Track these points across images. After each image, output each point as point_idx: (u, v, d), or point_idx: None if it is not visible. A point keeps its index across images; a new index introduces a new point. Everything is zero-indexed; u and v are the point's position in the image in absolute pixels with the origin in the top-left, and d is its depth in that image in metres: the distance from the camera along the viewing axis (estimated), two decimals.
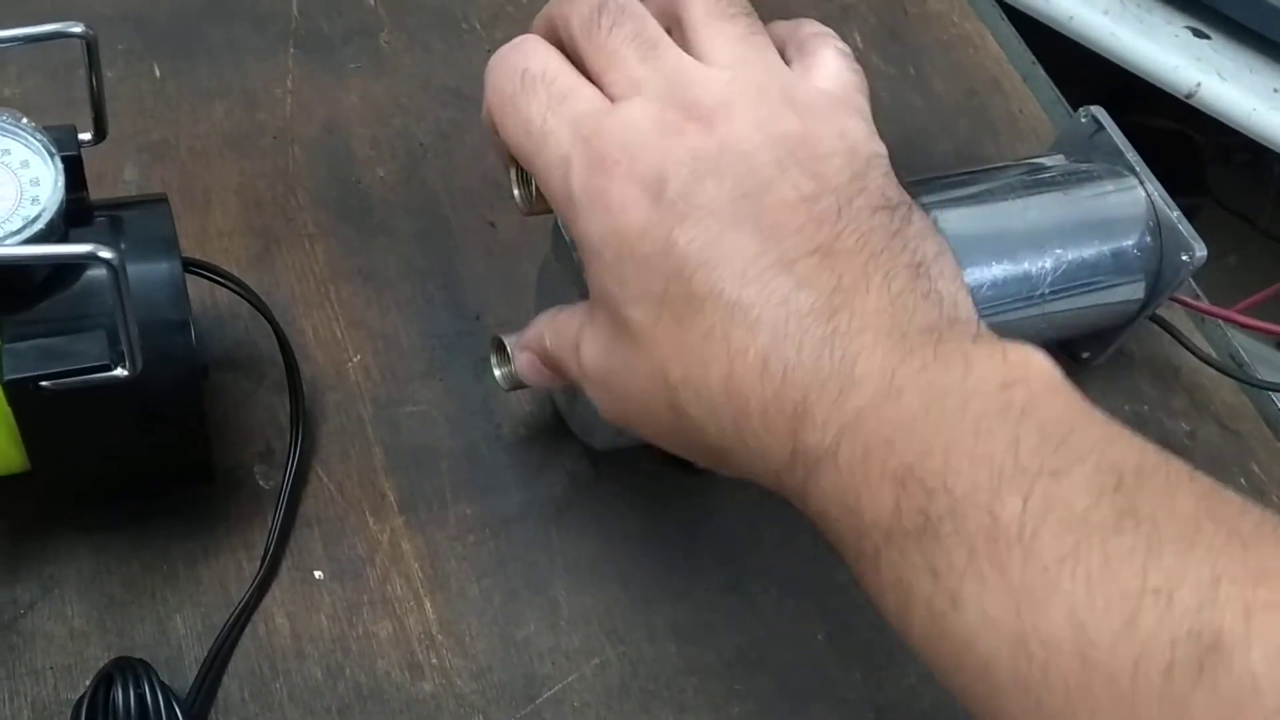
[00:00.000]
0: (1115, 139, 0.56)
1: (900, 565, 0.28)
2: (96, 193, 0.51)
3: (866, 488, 0.29)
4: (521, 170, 0.37)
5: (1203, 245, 0.53)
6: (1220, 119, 0.99)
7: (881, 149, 0.34)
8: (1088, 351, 0.59)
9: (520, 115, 0.33)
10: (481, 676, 0.44)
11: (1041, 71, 0.72)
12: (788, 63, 0.35)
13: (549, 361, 0.39)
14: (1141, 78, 1.00)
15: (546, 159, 0.32)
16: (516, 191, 0.38)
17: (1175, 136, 1.33)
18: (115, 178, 0.52)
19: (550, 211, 0.38)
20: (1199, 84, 0.98)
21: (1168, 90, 0.99)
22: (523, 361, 0.42)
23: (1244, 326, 0.60)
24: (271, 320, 0.46)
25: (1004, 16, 0.74)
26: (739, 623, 0.48)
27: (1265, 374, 0.63)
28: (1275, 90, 0.99)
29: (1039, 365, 0.29)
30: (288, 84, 0.58)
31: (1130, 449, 0.28)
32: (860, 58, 0.69)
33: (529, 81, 0.33)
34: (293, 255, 0.52)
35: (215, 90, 0.57)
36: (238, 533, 0.45)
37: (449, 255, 0.54)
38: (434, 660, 0.44)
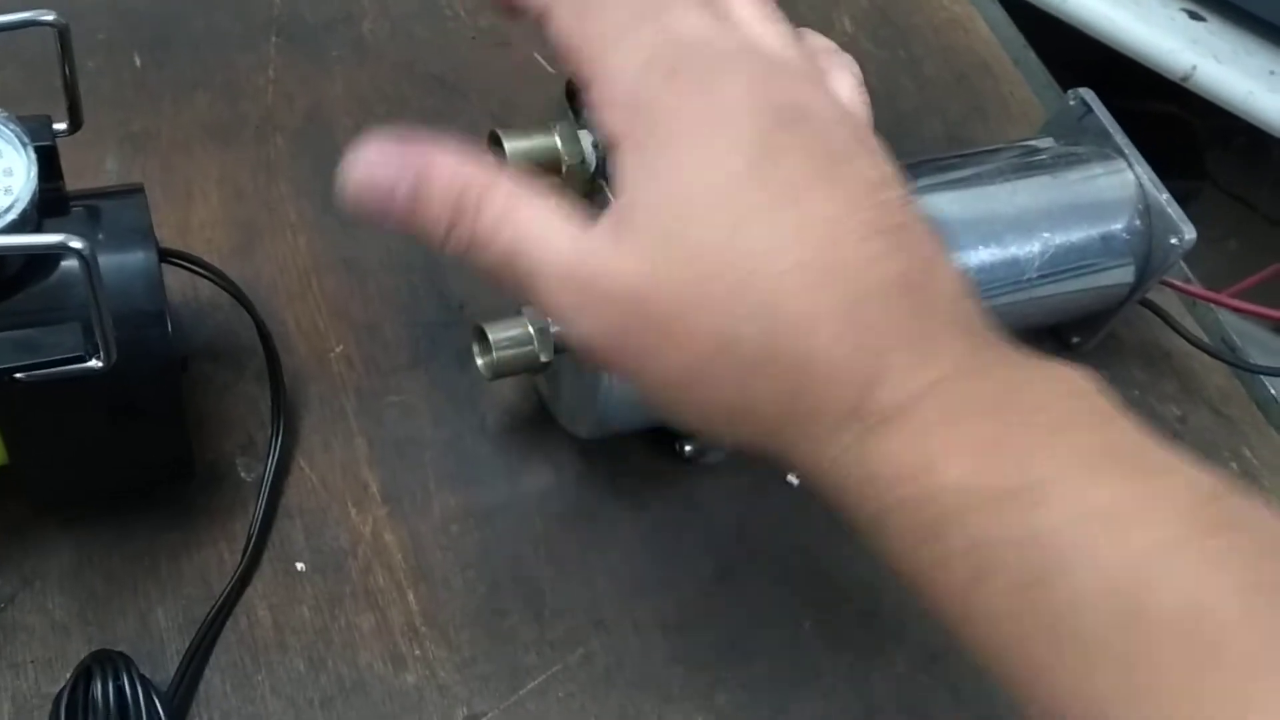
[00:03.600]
0: (1104, 121, 0.55)
1: (977, 534, 0.28)
2: (77, 184, 0.51)
3: (944, 452, 0.28)
4: (501, 153, 0.37)
5: (1192, 228, 0.53)
6: (1216, 102, 0.98)
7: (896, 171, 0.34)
8: (1078, 336, 0.59)
9: (600, 19, 0.32)
10: (465, 668, 0.44)
11: (1033, 55, 0.71)
12: None
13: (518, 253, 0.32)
14: (1137, 61, 1.00)
15: (625, 61, 0.32)
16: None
17: (1172, 120, 1.32)
18: (97, 169, 0.52)
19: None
20: (1194, 67, 0.97)
21: (1163, 74, 0.99)
22: (384, 165, 0.32)
23: (1236, 310, 0.59)
24: (252, 311, 0.45)
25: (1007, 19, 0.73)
26: (725, 612, 0.47)
27: (1258, 357, 0.62)
28: (1272, 72, 0.98)
29: (1100, 382, 0.30)
30: (270, 73, 0.58)
31: (1206, 470, 0.28)
32: (850, 41, 0.69)
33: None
34: (275, 246, 0.52)
35: (197, 80, 0.57)
36: (219, 525, 0.45)
37: None
38: (417, 651, 0.44)
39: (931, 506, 0.28)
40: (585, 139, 0.37)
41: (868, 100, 0.36)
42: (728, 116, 0.31)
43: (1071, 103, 0.57)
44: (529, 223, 0.31)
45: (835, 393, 0.30)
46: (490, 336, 0.44)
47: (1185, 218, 0.53)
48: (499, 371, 0.44)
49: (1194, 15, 1.00)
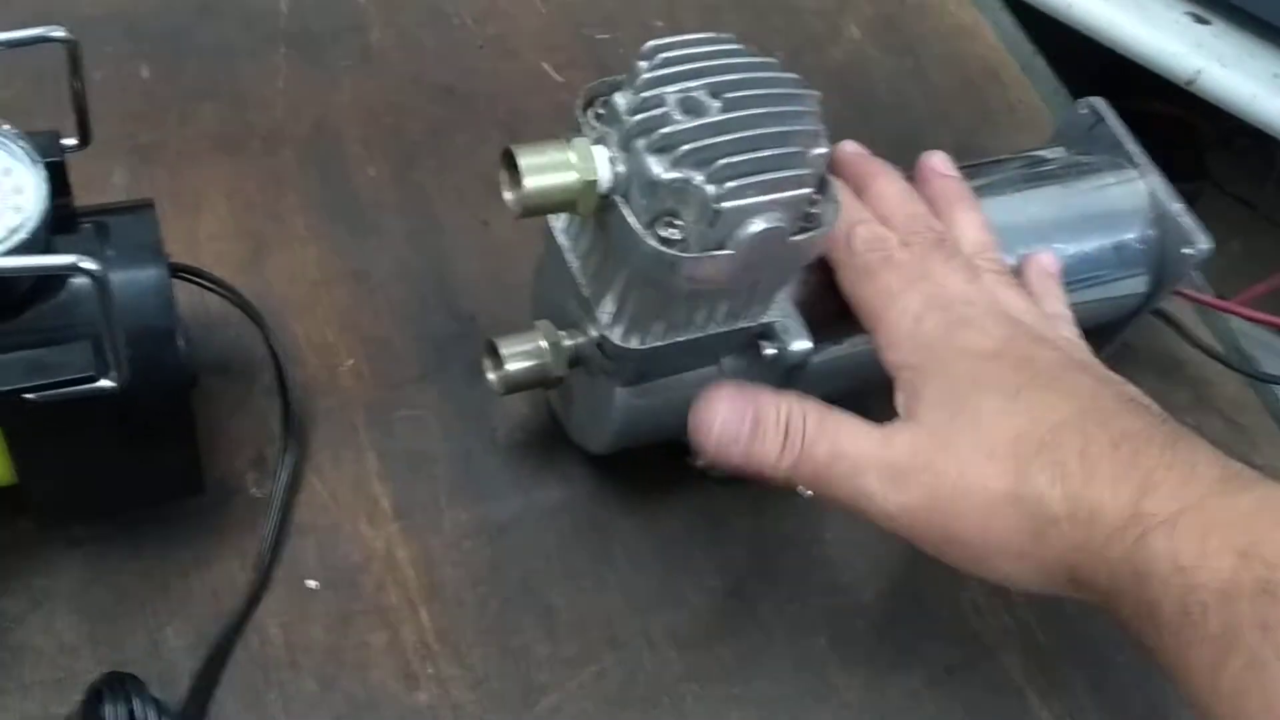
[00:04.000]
0: (1115, 131, 0.55)
1: (1230, 619, 0.32)
2: (85, 197, 0.50)
3: (1205, 554, 0.33)
4: (514, 169, 0.37)
5: (1207, 238, 0.53)
6: (1221, 106, 0.98)
7: None
8: (1091, 346, 0.58)
9: (882, 281, 0.42)
10: (478, 686, 0.44)
11: (1041, 61, 0.71)
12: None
13: (818, 464, 0.40)
14: (1143, 65, 0.99)
15: (905, 311, 0.41)
16: (508, 194, 0.37)
17: (1176, 122, 1.32)
18: (104, 182, 0.52)
19: (540, 214, 0.38)
20: (1199, 70, 0.97)
21: (1167, 77, 0.98)
22: (728, 413, 0.40)
23: (1248, 319, 0.59)
24: (262, 325, 0.45)
25: (1003, 5, 0.73)
26: (739, 628, 0.47)
27: (1271, 366, 0.62)
28: (1276, 76, 0.97)
29: None
30: (278, 84, 0.57)
31: None
32: (856, 49, 0.69)
33: (893, 259, 0.43)
34: (284, 258, 0.52)
35: (204, 91, 0.56)
36: (230, 542, 0.44)
37: (442, 255, 0.54)
38: (430, 670, 0.43)
39: (1192, 599, 0.33)
40: (599, 154, 0.37)
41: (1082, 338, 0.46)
42: (991, 344, 0.40)
43: (1083, 111, 0.56)
44: (839, 433, 0.40)
45: (1111, 505, 0.35)
46: (502, 351, 0.43)
47: (1200, 227, 0.53)
48: (511, 386, 0.44)
49: (1199, 19, 1.00)
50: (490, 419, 0.50)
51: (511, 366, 0.43)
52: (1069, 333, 0.45)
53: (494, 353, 0.44)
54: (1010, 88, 0.69)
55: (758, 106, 0.37)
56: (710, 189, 0.36)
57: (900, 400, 0.40)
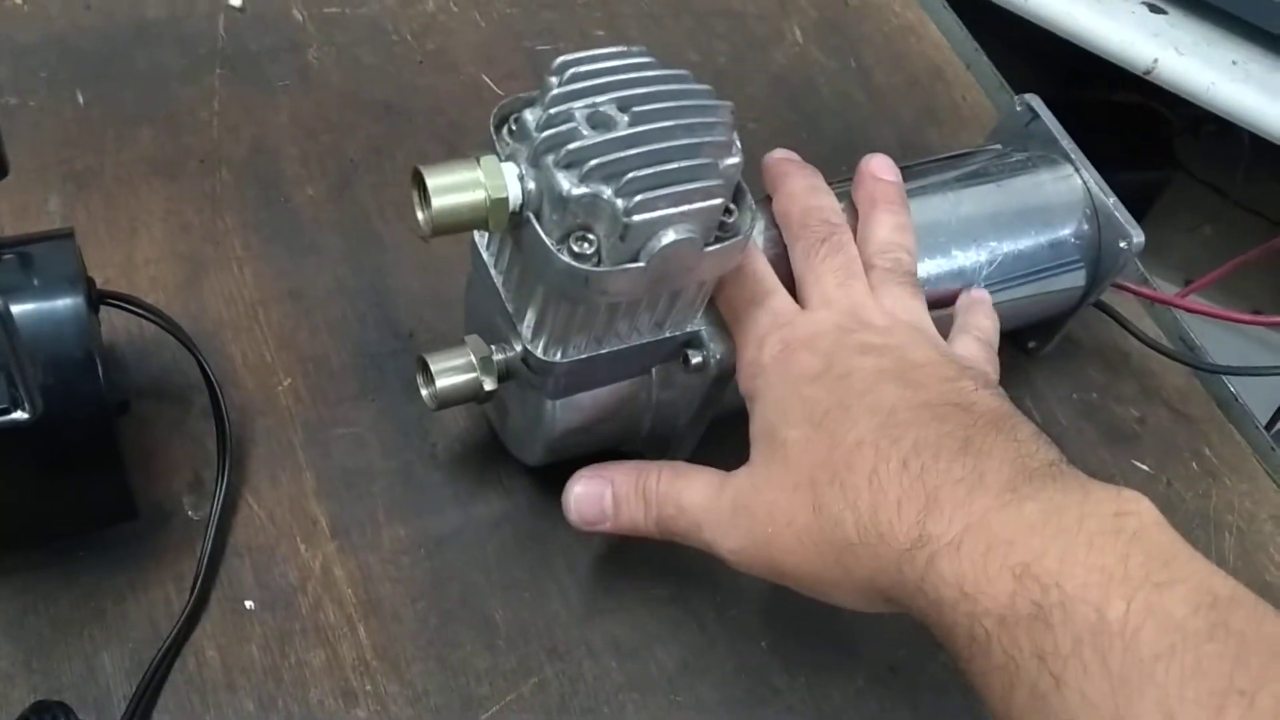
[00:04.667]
0: (1050, 127, 0.55)
1: (1010, 648, 0.32)
2: (21, 225, 0.51)
3: (985, 577, 0.33)
4: (424, 190, 0.37)
5: (1140, 231, 0.53)
6: (1179, 93, 0.98)
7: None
8: (1034, 341, 0.59)
9: (735, 305, 0.43)
10: (418, 701, 0.44)
11: (984, 58, 0.71)
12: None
13: (661, 518, 0.43)
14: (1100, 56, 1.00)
15: (747, 333, 0.42)
16: (419, 214, 0.38)
17: (1142, 110, 1.32)
18: (39, 208, 0.52)
19: (453, 233, 0.38)
20: (1156, 60, 0.97)
21: (1125, 67, 0.99)
22: (584, 492, 0.44)
23: (1188, 311, 0.59)
24: (193, 349, 0.45)
25: (946, 4, 0.73)
26: (680, 634, 0.47)
27: (1218, 355, 0.62)
28: (1234, 63, 0.98)
29: (1148, 506, 0.34)
30: (214, 105, 0.57)
31: (1225, 580, 0.32)
32: (800, 52, 0.69)
33: (747, 275, 0.43)
34: (221, 280, 0.52)
35: (140, 115, 0.56)
36: (166, 566, 0.44)
37: (381, 272, 0.54)
38: (368, 687, 0.44)
39: (978, 627, 0.33)
40: (509, 172, 0.37)
41: (994, 340, 0.47)
42: (814, 363, 0.41)
43: (1018, 108, 0.57)
44: (682, 492, 0.42)
45: (898, 526, 0.36)
46: (432, 367, 0.44)
47: (1133, 221, 0.53)
48: (443, 401, 0.44)
49: (1154, 8, 1.00)
50: (429, 434, 0.50)
51: (442, 382, 0.44)
52: (923, 337, 0.43)
53: (425, 369, 0.44)
54: (954, 86, 0.70)
55: (666, 119, 0.37)
56: (619, 203, 0.36)
57: (751, 436, 0.42)
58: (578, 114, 0.37)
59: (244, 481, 0.47)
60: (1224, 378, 0.60)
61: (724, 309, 0.44)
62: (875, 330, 0.42)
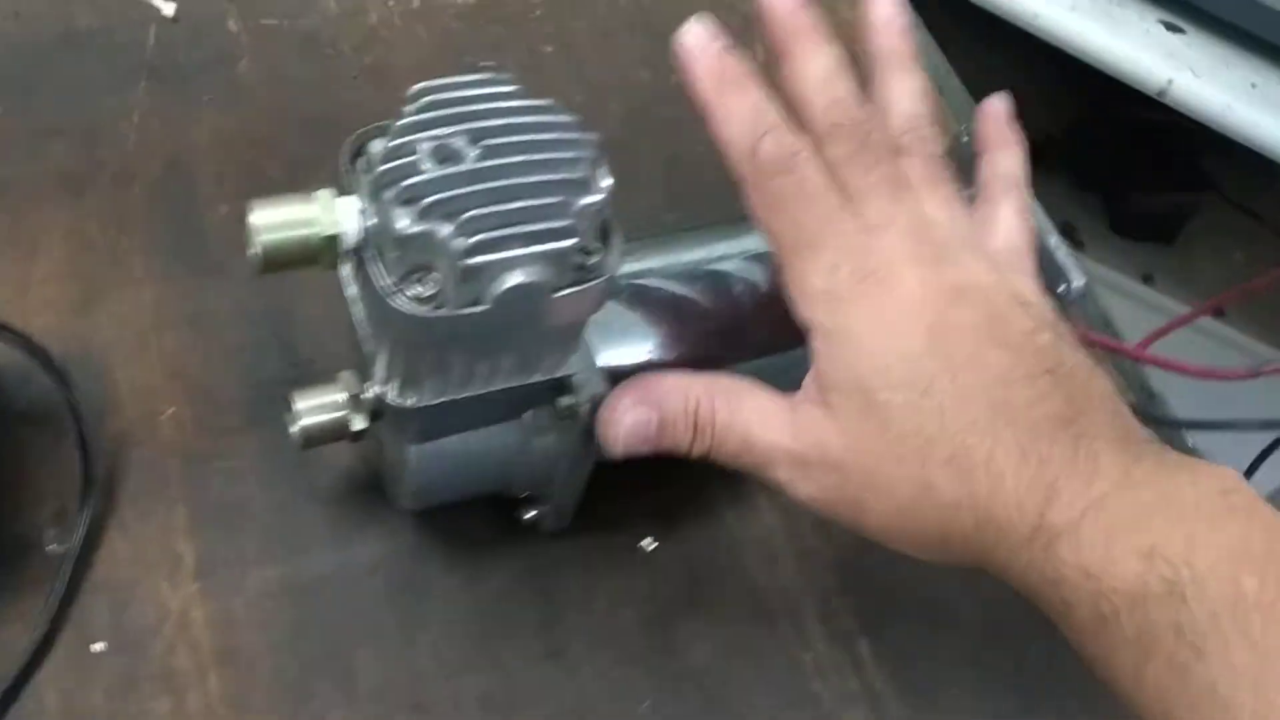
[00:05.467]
0: None
1: (1142, 622, 0.33)
2: None
3: (1110, 559, 0.34)
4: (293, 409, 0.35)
5: (1081, 275, 0.49)
6: (1194, 116, 0.94)
7: (1048, 301, 0.40)
8: None
9: (792, 217, 0.38)
10: None
11: (956, 81, 0.67)
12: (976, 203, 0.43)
13: (731, 438, 0.39)
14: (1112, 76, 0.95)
15: (816, 262, 0.38)
16: (249, 251, 0.36)
17: (1174, 129, 1.27)
18: None
19: (286, 270, 0.36)
20: (1170, 80, 0.93)
21: (1138, 88, 0.94)
22: (633, 421, 0.39)
23: (1144, 362, 0.55)
24: (56, 374, 0.44)
25: (920, 25, 0.69)
26: (555, 692, 0.45)
27: (1196, 402, 0.58)
28: (1253, 85, 0.93)
29: (1244, 481, 0.35)
30: (134, 119, 0.56)
31: None
32: (765, 71, 0.66)
33: (804, 189, 0.38)
34: (117, 302, 0.50)
35: (57, 127, 0.55)
36: (21, 601, 0.43)
37: (287, 297, 0.52)
38: None
39: (1104, 604, 0.34)
40: (345, 207, 0.35)
41: (1031, 224, 0.43)
42: (905, 307, 0.37)
43: (964, 140, 0.53)
44: (749, 425, 0.39)
45: (1018, 518, 0.35)
46: (296, 404, 0.42)
47: (1074, 264, 0.49)
48: (308, 440, 0.42)
49: (1172, 27, 0.96)
50: (312, 471, 0.48)
51: (307, 421, 0.42)
52: (997, 245, 0.41)
53: (290, 408, 0.42)
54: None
55: (517, 154, 0.34)
56: (458, 243, 0.33)
57: (812, 371, 0.38)
58: (423, 146, 0.34)
59: (111, 514, 0.45)
60: (1185, 432, 0.56)
61: (761, 211, 0.38)
62: (949, 261, 0.39)
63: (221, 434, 0.48)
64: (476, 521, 0.47)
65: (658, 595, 0.48)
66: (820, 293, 0.38)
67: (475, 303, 0.35)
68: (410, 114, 0.36)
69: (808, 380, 0.39)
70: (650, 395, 0.40)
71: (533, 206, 0.34)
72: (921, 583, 0.49)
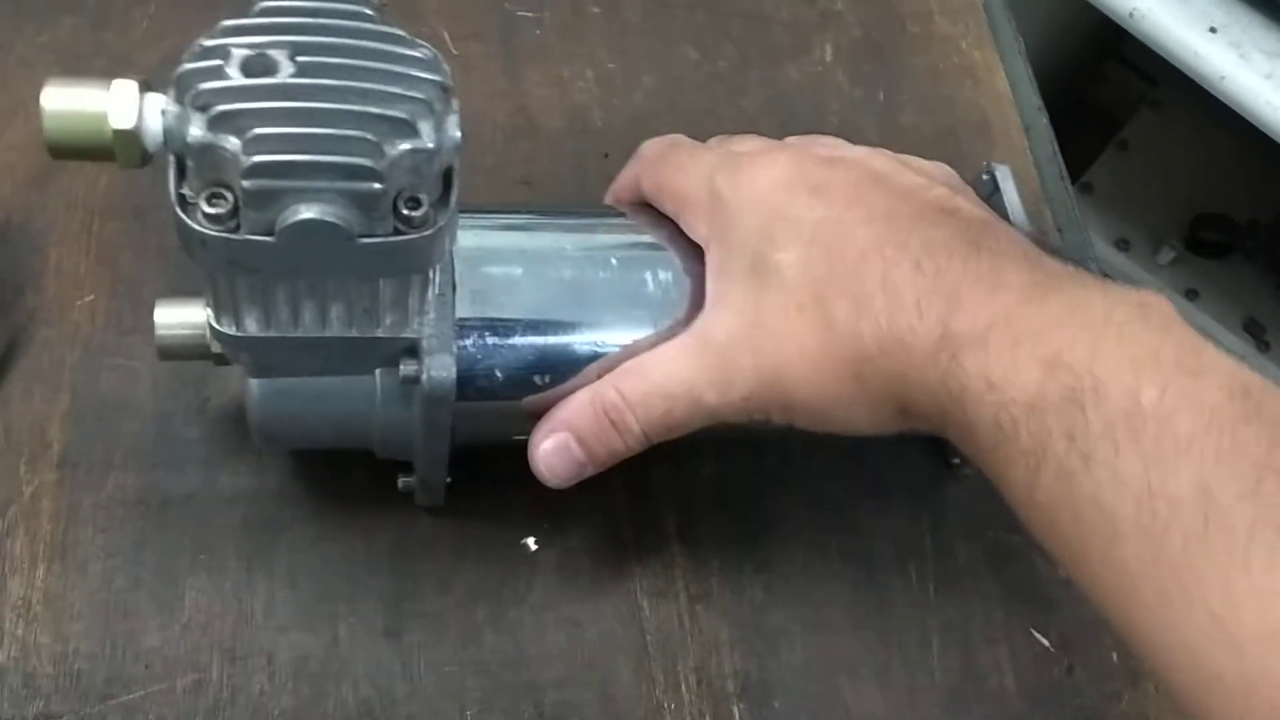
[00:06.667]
0: (1007, 203, 0.46)
1: (1039, 431, 0.32)
2: None
3: (1014, 368, 0.33)
4: None
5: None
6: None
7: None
8: (958, 457, 0.49)
9: (675, 163, 0.42)
10: (61, 661, 0.40)
11: (1045, 120, 0.60)
12: None
13: (640, 401, 0.39)
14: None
15: (696, 174, 0.40)
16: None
17: None
18: None
19: (78, 159, 0.33)
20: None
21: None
22: (552, 448, 0.39)
23: None
24: None
25: (1023, 51, 0.62)
26: (380, 673, 0.42)
27: None
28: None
29: (1168, 301, 0.34)
30: (150, 8, 0.55)
31: (1253, 374, 0.32)
32: (821, 73, 0.61)
33: (680, 148, 0.43)
34: (72, 183, 0.50)
35: (71, 6, 0.55)
36: None
37: None
38: (19, 631, 0.41)
39: (1004, 415, 0.33)
40: (149, 103, 0.32)
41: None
42: (780, 177, 0.38)
43: (985, 177, 0.47)
44: (662, 382, 0.38)
45: (920, 328, 0.35)
46: (156, 315, 0.40)
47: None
48: (165, 353, 0.40)
49: None
50: (208, 388, 0.46)
51: (164, 333, 0.40)
52: (866, 148, 0.41)
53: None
54: (996, 147, 0.59)
55: (336, 77, 0.31)
56: (242, 159, 0.31)
57: (709, 277, 0.39)
58: (235, 53, 0.31)
59: None
60: None
61: (657, 193, 0.42)
62: (823, 144, 0.41)
63: (129, 332, 0.47)
64: (357, 480, 0.45)
65: (522, 599, 0.44)
66: (706, 203, 0.39)
67: (268, 232, 0.32)
68: (240, 17, 0.33)
69: (707, 296, 0.39)
70: (556, 419, 0.39)
71: (334, 136, 0.31)
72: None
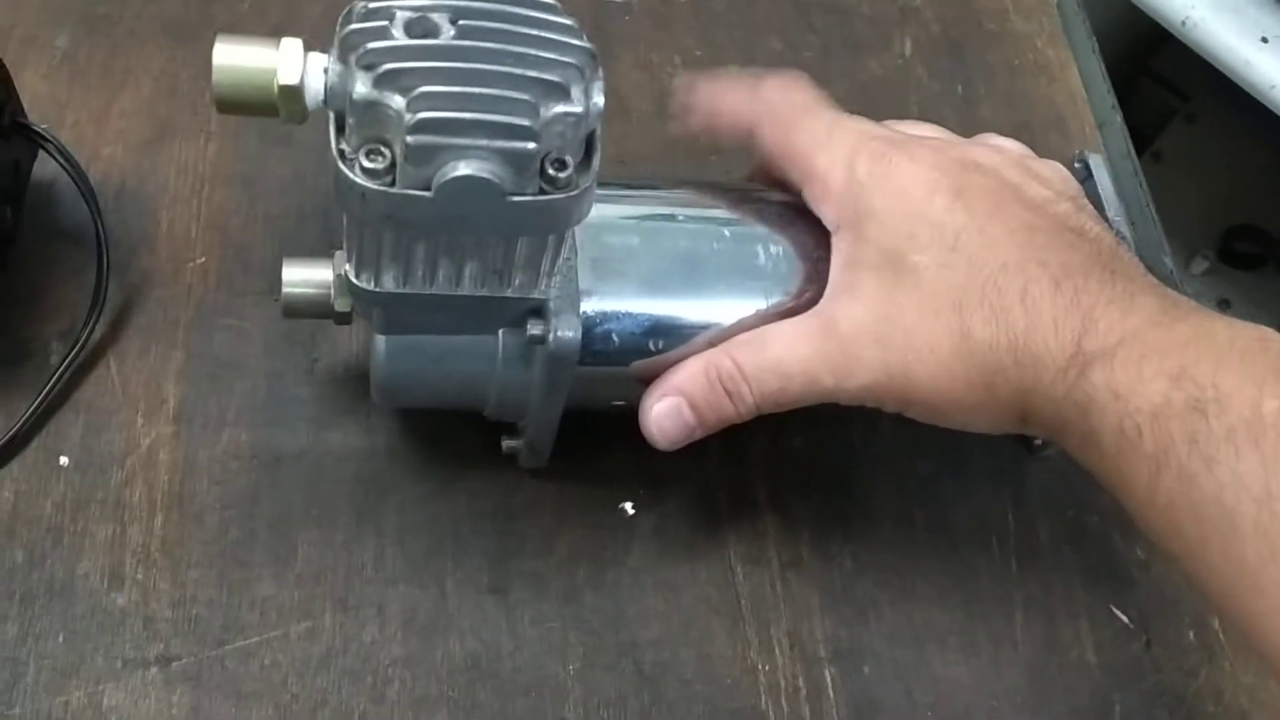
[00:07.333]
0: (1101, 191, 0.47)
1: (1161, 437, 0.34)
2: (21, 54, 0.52)
3: (1140, 380, 0.34)
4: None
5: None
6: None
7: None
8: (1040, 438, 0.50)
9: (808, 127, 0.41)
10: (179, 606, 0.42)
11: (1119, 118, 0.61)
12: None
13: (767, 377, 0.40)
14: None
15: (836, 153, 0.40)
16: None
17: None
18: (46, 42, 0.53)
19: (245, 113, 0.35)
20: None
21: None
22: (664, 411, 0.40)
23: None
24: (88, 197, 0.45)
25: (1096, 50, 0.64)
26: (485, 628, 0.43)
27: None
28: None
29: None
30: None
31: None
32: (902, 67, 0.62)
33: (809, 103, 0.42)
34: (183, 149, 0.51)
35: None
36: (10, 402, 0.44)
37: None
38: (139, 575, 0.42)
39: (1128, 423, 0.34)
40: (313, 61, 0.34)
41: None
42: (924, 178, 0.39)
43: (1077, 164, 0.48)
44: (780, 359, 0.39)
45: (1055, 346, 0.36)
46: (284, 273, 0.41)
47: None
48: (290, 311, 0.41)
49: None
50: (318, 349, 0.47)
51: (290, 290, 0.41)
52: (998, 141, 0.43)
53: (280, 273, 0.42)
54: (1071, 142, 0.60)
55: (495, 41, 0.33)
56: (407, 116, 0.32)
57: (838, 263, 0.40)
58: (399, 15, 0.33)
59: (114, 343, 0.46)
60: None
61: (782, 156, 0.42)
62: (957, 145, 0.42)
63: (239, 294, 0.48)
64: (462, 441, 0.46)
65: (621, 562, 0.45)
66: (843, 186, 0.40)
67: (424, 188, 0.33)
68: None
69: (831, 280, 0.40)
70: (669, 384, 0.40)
71: (494, 96, 0.32)
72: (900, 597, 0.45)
